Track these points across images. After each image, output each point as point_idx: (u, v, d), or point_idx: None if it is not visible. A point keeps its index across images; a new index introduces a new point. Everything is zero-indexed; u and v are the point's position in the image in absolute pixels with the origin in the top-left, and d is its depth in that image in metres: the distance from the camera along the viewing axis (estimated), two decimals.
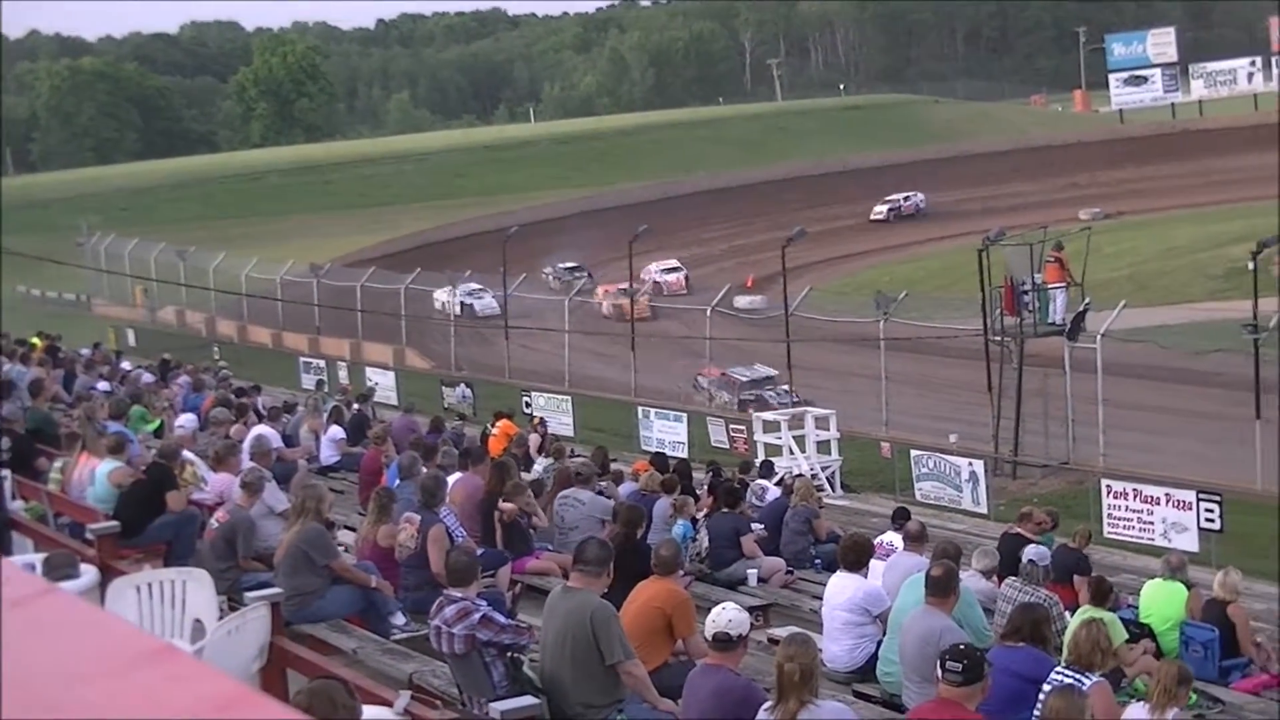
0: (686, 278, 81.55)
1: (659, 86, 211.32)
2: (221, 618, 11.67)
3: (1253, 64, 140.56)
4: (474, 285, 71.54)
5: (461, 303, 69.25)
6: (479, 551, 15.27)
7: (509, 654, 11.75)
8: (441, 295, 70.20)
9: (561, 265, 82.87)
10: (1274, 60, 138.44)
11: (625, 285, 67.18)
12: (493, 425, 32.20)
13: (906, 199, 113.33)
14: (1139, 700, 12.30)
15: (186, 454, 19.84)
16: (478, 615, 11.72)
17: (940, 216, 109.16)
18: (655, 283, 79.81)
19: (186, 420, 27.50)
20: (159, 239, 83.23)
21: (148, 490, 17.30)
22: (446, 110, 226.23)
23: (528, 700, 10.93)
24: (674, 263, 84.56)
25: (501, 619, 12.02)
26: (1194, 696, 15.04)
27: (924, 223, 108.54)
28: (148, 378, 35.76)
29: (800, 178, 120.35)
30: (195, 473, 19.44)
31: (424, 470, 19.13)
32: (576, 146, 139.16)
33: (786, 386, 48.63)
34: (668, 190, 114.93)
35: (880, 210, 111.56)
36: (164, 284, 76.41)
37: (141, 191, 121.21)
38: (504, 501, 18.62)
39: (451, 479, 19.13)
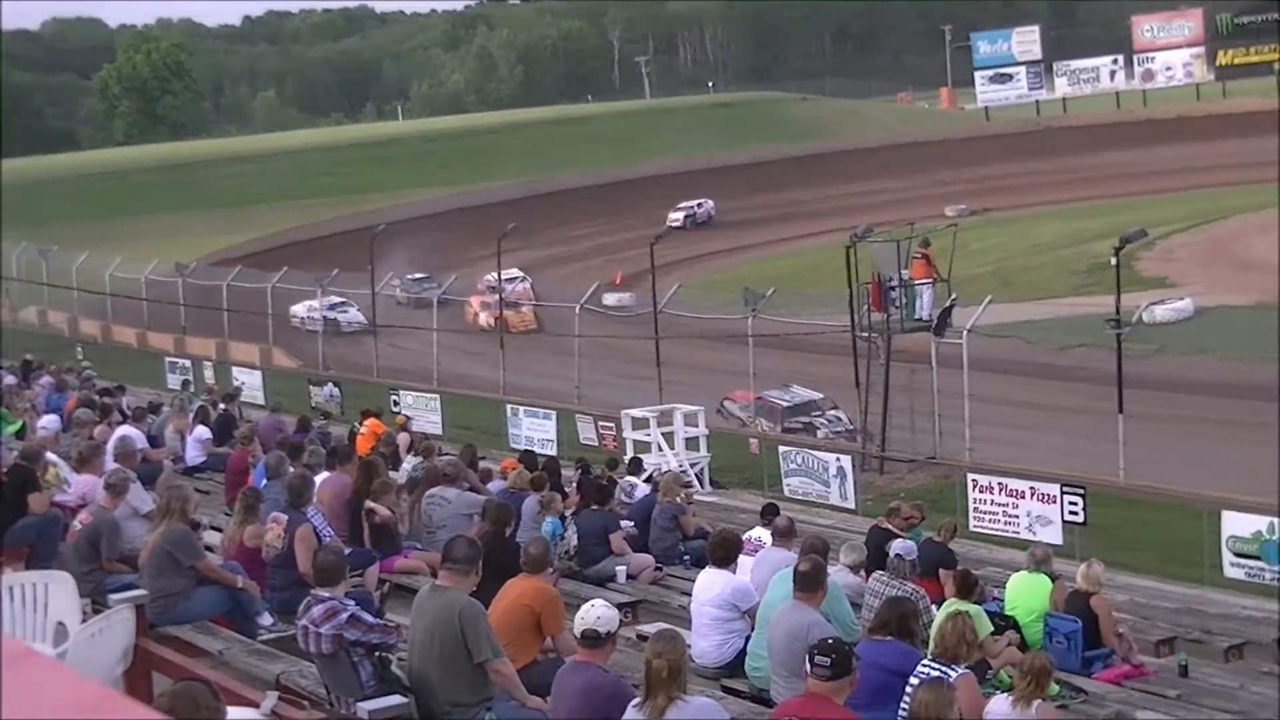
0: (532, 286, 78.16)
1: (527, 84, 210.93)
2: (85, 620, 11.55)
3: (1115, 62, 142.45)
4: (336, 298, 68.02)
5: (324, 316, 66.81)
6: (347, 551, 15.20)
7: (377, 653, 11.71)
8: (300, 310, 68.21)
9: (409, 276, 78.15)
10: (1136, 59, 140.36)
11: (507, 299, 66.56)
12: (360, 424, 32.06)
13: (700, 205, 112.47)
14: (1004, 691, 12.42)
15: (49, 455, 19.64)
16: (345, 615, 11.67)
17: (730, 225, 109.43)
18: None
19: (49, 421, 27.25)
20: (20, 238, 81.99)
21: (9, 492, 17.06)
22: (314, 108, 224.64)
23: (395, 699, 10.92)
24: (516, 272, 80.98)
25: (369, 618, 11.98)
26: (1057, 687, 15.21)
27: (718, 230, 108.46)
28: (9, 379, 35.34)
29: (669, 175, 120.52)
30: (58, 474, 19.23)
31: (291, 470, 19.04)
32: (445, 144, 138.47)
33: (839, 412, 46.50)
34: (536, 188, 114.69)
35: (676, 217, 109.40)
36: (26, 284, 75.44)
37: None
38: (372, 500, 18.56)
39: (319, 478, 19.03)
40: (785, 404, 47.12)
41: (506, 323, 62.56)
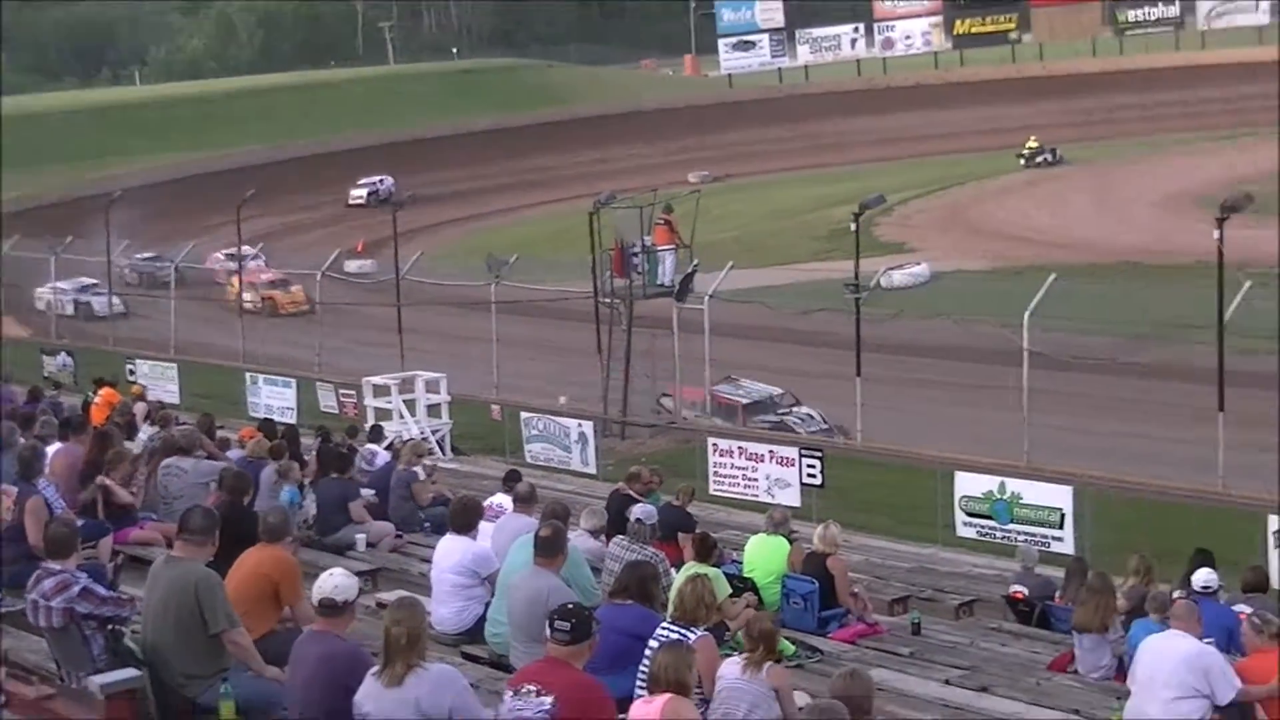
0: (266, 262, 72.00)
1: (268, 50, 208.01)
2: None
3: (856, 30, 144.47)
4: (86, 280, 65.20)
5: (75, 301, 64.80)
6: (79, 522, 14.89)
7: (109, 626, 11.52)
8: (45, 293, 65.73)
9: (139, 256, 72.31)
10: (876, 27, 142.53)
11: (271, 277, 65.02)
12: (95, 394, 31.43)
13: (381, 181, 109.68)
14: (742, 653, 12.55)
15: None
16: (77, 588, 11.48)
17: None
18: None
19: None
20: None
21: None
22: (47, 72, 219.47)
23: (129, 672, 10.77)
24: (249, 250, 76.87)
25: (102, 591, 11.79)
26: (793, 648, 15.43)
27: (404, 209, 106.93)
28: None
29: (412, 141, 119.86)
30: None
31: (21, 441, 18.60)
32: (183, 110, 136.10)
33: (808, 409, 42.49)
34: (277, 154, 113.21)
35: (359, 194, 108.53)
36: None
37: None
38: (107, 471, 18.23)
39: (51, 449, 18.66)
40: (745, 401, 43.04)
41: (275, 303, 61.37)
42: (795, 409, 41.66)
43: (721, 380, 42.85)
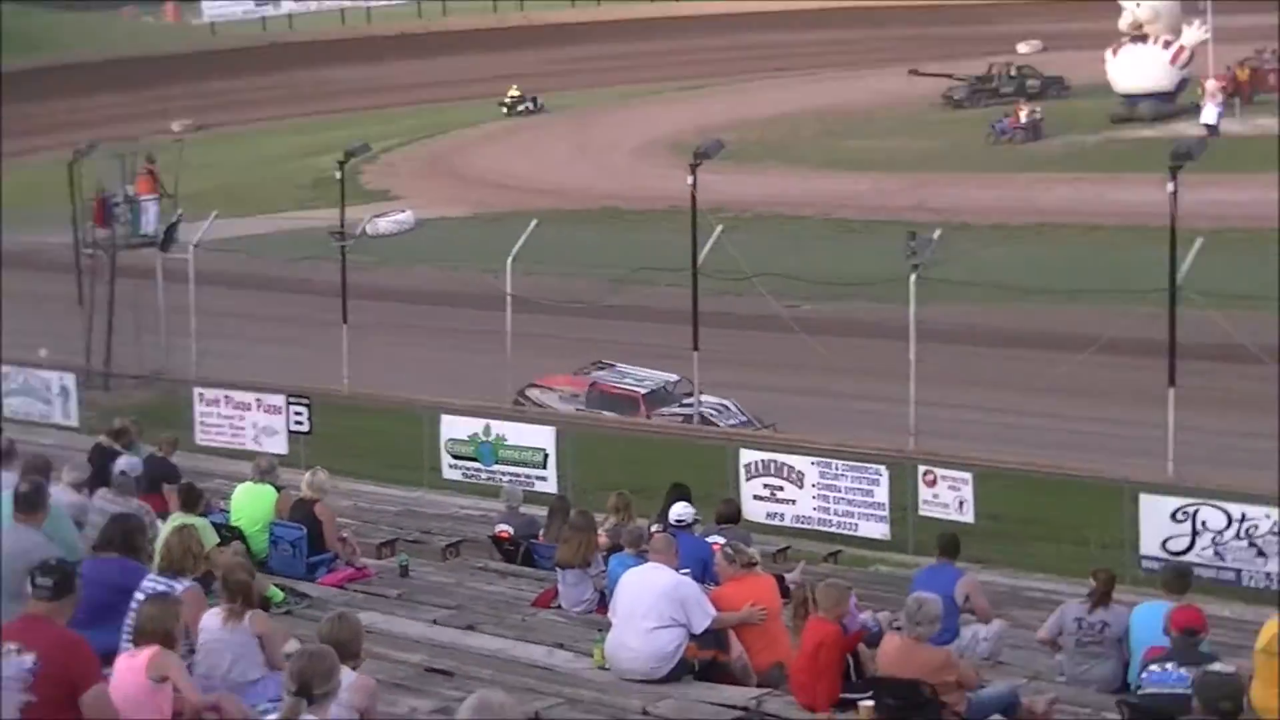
0: None
1: None
2: None
3: None
4: None
5: None
6: None
7: None
8: None
9: None
10: None
11: None
12: None
13: None
14: (223, 604, 12.65)
15: None
16: None
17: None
18: None
19: None
20: None
21: None
22: None
23: None
24: None
25: None
26: (281, 594, 15.61)
27: None
28: None
29: None
30: None
31: None
32: None
33: (719, 400, 35.28)
34: None
35: None
36: None
37: None
38: None
39: None
40: (642, 391, 35.77)
41: None
42: (705, 399, 34.88)
43: (592, 366, 37.81)
